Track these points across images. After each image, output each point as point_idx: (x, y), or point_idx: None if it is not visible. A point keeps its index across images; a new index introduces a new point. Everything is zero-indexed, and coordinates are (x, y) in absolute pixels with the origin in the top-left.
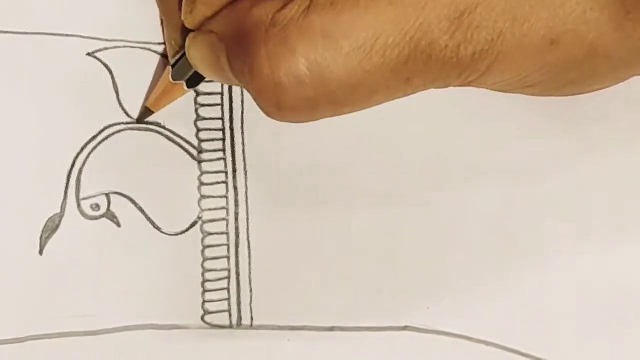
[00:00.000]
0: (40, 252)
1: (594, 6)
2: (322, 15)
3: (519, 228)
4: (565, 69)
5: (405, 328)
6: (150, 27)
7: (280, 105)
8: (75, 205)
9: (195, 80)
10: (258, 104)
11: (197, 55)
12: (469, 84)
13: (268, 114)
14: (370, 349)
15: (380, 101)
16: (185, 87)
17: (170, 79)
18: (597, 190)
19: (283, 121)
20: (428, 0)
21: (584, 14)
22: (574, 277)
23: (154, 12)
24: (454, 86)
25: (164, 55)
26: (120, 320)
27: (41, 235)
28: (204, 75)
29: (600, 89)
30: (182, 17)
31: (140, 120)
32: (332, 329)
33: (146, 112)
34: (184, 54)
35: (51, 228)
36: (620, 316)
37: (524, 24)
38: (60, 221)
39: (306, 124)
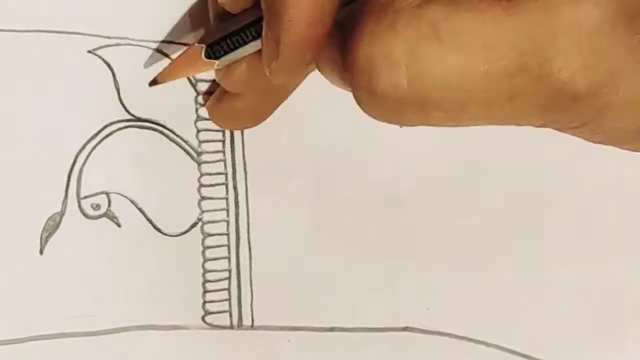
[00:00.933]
0: (41, 252)
1: None
2: (437, 9)
3: (520, 228)
4: None
5: (405, 329)
6: (151, 25)
7: (371, 88)
8: (76, 204)
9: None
10: (353, 91)
11: (327, 71)
12: (581, 127)
13: (358, 101)
14: (370, 349)
15: (473, 116)
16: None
17: (203, 55)
18: (597, 190)
19: (371, 112)
20: (548, 16)
21: None
22: (574, 277)
23: (156, 9)
24: (563, 127)
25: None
26: (120, 320)
27: (41, 235)
28: (326, 77)
29: None
30: (266, 71)
31: (152, 84)
32: (332, 329)
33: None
34: (224, 37)
35: (52, 227)
36: (620, 316)
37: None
38: (60, 220)
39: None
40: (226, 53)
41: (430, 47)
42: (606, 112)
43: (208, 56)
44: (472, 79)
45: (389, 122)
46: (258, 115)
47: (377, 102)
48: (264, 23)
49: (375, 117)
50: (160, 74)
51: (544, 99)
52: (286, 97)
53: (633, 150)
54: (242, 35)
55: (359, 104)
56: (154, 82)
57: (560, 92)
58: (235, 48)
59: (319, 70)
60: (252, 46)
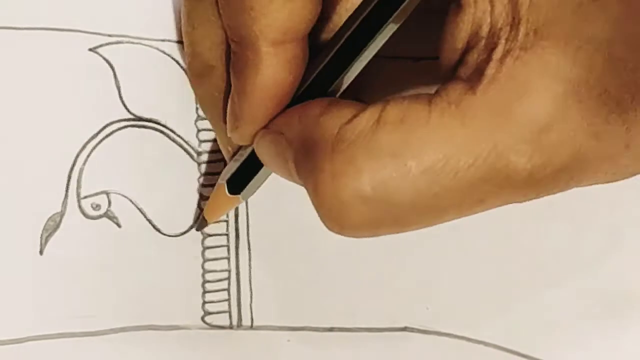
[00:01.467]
0: (41, 252)
1: None
2: (391, 133)
3: (518, 228)
4: (634, 168)
5: (404, 329)
6: (152, 23)
7: (343, 224)
8: (76, 204)
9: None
10: (320, 218)
11: (266, 153)
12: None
13: (329, 229)
14: (369, 349)
15: (450, 219)
16: (241, 199)
17: (227, 192)
18: (597, 190)
19: (345, 236)
20: (502, 121)
21: None
22: (574, 277)
23: (156, 7)
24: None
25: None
26: (120, 320)
27: (42, 234)
28: (274, 172)
29: None
30: (228, 134)
31: (199, 229)
32: (331, 329)
33: (202, 222)
34: (240, 168)
35: (52, 227)
36: (619, 316)
37: (601, 134)
38: (60, 220)
39: None
40: (247, 182)
41: (394, 175)
42: (566, 187)
43: (232, 191)
44: (441, 196)
45: (362, 238)
46: None
47: (350, 232)
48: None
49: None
50: (204, 219)
51: (512, 192)
52: None
53: None
54: (254, 161)
55: (329, 229)
56: (202, 226)
57: (525, 185)
58: (252, 175)
59: (256, 148)
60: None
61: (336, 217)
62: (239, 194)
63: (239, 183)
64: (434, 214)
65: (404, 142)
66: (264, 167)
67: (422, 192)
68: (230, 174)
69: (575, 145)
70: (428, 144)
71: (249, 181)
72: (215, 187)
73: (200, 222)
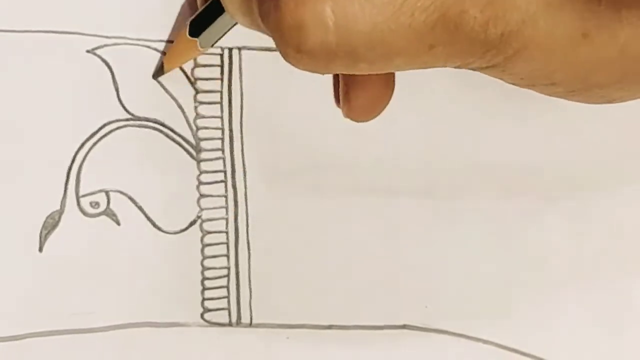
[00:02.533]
0: (40, 249)
1: (630, 4)
2: None
3: (518, 226)
4: (594, 68)
5: (403, 327)
6: (150, 24)
7: (300, 47)
8: (75, 202)
9: (210, 37)
10: (277, 45)
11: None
12: (492, 69)
13: (286, 56)
14: (368, 347)
15: (398, 65)
16: (199, 46)
17: (187, 34)
18: (597, 190)
19: (299, 67)
20: None
21: (618, 11)
22: (573, 276)
23: (154, 8)
24: (476, 68)
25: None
26: (119, 317)
27: (41, 232)
28: (233, 17)
29: (625, 99)
30: None
31: (155, 76)
32: (330, 327)
33: (160, 69)
34: (204, 10)
35: (51, 225)
36: (619, 315)
37: (558, 12)
38: (59, 218)
39: (306, 123)
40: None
41: (356, 3)
42: (517, 57)
43: (192, 34)
44: (396, 33)
45: (313, 72)
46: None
47: (304, 58)
48: None
49: (300, 69)
50: (166, 66)
51: (461, 46)
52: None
53: (551, 95)
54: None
55: (285, 57)
56: (159, 73)
57: (475, 40)
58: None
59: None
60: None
61: (294, 39)
62: (197, 37)
63: (201, 26)
64: (386, 52)
65: None
66: (224, 13)
67: (379, 25)
68: (195, 15)
69: (529, 11)
70: None
71: (210, 25)
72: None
73: (158, 69)
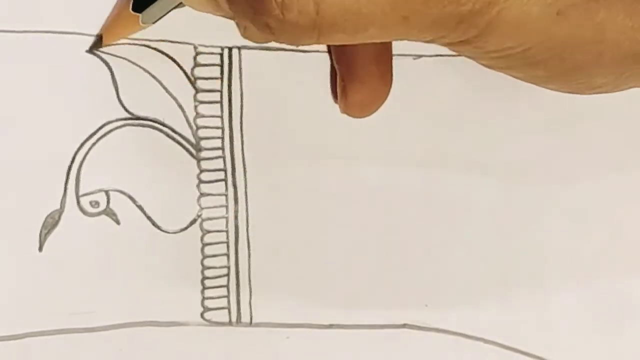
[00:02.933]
0: (40, 249)
1: None
2: None
3: (518, 226)
4: (570, 48)
5: (404, 325)
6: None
7: (281, 16)
8: (75, 201)
9: (153, 14)
10: (254, 20)
11: None
12: (466, 45)
13: (266, 28)
14: (368, 346)
15: (373, 35)
16: (140, 22)
17: (130, 8)
18: (597, 189)
19: (279, 39)
20: None
21: None
22: (573, 275)
23: None
24: (449, 42)
25: None
26: (119, 317)
27: (40, 232)
28: (189, 2)
29: (605, 87)
30: None
31: (91, 49)
32: (330, 326)
33: (97, 41)
34: None
35: (51, 224)
36: (619, 315)
37: None
38: (59, 217)
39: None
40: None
41: None
42: (489, 32)
43: (135, 8)
44: (372, 3)
45: (290, 44)
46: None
47: (285, 28)
48: None
49: (280, 42)
50: (104, 39)
51: (434, 17)
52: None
53: (533, 82)
54: None
55: (265, 30)
56: (97, 45)
57: (447, 12)
58: None
59: None
60: None
61: (277, 11)
62: (140, 12)
63: (145, 2)
64: (362, 23)
65: None
66: None
67: None
68: None
69: None
70: None
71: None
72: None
73: (95, 41)
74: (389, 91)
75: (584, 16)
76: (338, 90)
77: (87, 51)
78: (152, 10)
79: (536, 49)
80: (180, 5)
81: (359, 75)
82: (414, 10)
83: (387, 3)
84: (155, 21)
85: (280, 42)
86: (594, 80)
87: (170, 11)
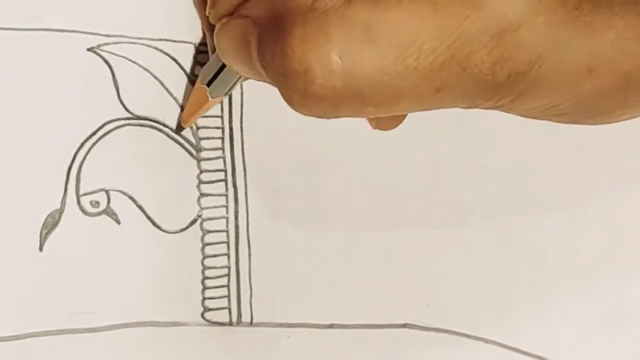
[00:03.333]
0: (40, 248)
1: (632, 36)
2: (364, 9)
3: (518, 226)
4: (598, 99)
5: (404, 325)
6: (150, 23)
7: (307, 92)
8: (75, 201)
9: (219, 88)
10: (282, 91)
11: (226, 40)
12: (500, 107)
13: (290, 102)
14: (369, 346)
15: (405, 108)
16: (210, 97)
17: (210, 97)
18: (597, 189)
19: (304, 112)
20: (472, 11)
21: (621, 42)
22: (573, 275)
23: (155, 7)
24: (484, 107)
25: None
26: (120, 317)
27: (41, 231)
28: (231, 66)
29: (626, 118)
30: (207, 12)
31: (177, 131)
32: (331, 326)
33: (179, 124)
34: (220, 69)
35: (51, 224)
36: (619, 315)
37: (563, 51)
38: (60, 217)
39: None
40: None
41: (362, 48)
42: (522, 98)
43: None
44: (403, 76)
45: (321, 117)
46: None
47: (312, 104)
48: None
49: (307, 115)
50: (183, 120)
51: (468, 88)
52: None
53: (556, 122)
54: None
55: (290, 103)
56: (179, 129)
57: (482, 82)
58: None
59: (215, 39)
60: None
61: (301, 84)
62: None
63: (212, 76)
64: (393, 95)
65: (376, 18)
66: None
67: (386, 68)
68: (210, 78)
69: (535, 52)
70: (399, 22)
71: (218, 75)
72: (195, 89)
73: (177, 124)
74: None
75: (613, 70)
76: None
77: (175, 132)
78: (217, 84)
79: (565, 104)
80: (242, 78)
81: None
82: (448, 82)
83: (418, 75)
84: (226, 93)
85: (311, 116)
86: (617, 118)
87: (236, 84)
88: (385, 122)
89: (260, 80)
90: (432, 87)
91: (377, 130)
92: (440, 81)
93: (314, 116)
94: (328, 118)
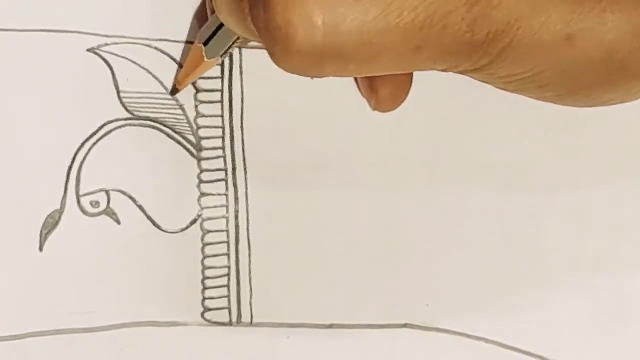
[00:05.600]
0: (40, 249)
1: (614, 8)
2: None
3: (519, 226)
4: (580, 70)
5: (404, 325)
6: (150, 23)
7: (288, 46)
8: (75, 201)
9: (215, 49)
10: (266, 46)
11: (222, 1)
12: (479, 72)
13: (273, 56)
14: (369, 346)
15: (385, 66)
16: (205, 57)
17: (205, 58)
18: (597, 189)
19: (287, 67)
20: None
21: (602, 12)
22: (574, 275)
23: (155, 7)
24: (463, 70)
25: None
26: (119, 317)
27: (41, 231)
28: (226, 23)
29: (614, 101)
30: None
31: (172, 93)
32: (331, 326)
33: (174, 86)
34: (216, 29)
35: (51, 224)
36: (619, 314)
37: (542, 14)
38: (59, 217)
39: (306, 121)
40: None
41: (345, 3)
42: (501, 59)
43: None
44: (385, 33)
45: (302, 75)
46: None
47: (293, 58)
48: None
49: (289, 71)
50: (177, 81)
51: (447, 47)
52: None
53: (542, 100)
54: None
55: (273, 58)
56: (174, 91)
57: (461, 40)
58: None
59: (214, 6)
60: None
61: (283, 39)
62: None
63: (208, 37)
64: (374, 52)
65: None
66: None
67: (367, 24)
68: (207, 36)
69: (514, 13)
70: None
71: (215, 35)
72: (192, 48)
73: (177, 81)
74: (412, 79)
75: (593, 39)
76: (363, 89)
77: (170, 94)
78: (213, 45)
79: (547, 72)
80: (239, 39)
81: None
82: (427, 39)
83: (400, 32)
84: (223, 55)
85: (291, 72)
86: (603, 97)
87: (232, 45)
88: (383, 102)
89: (254, 40)
90: (413, 44)
91: (377, 132)
92: (421, 39)
93: (297, 73)
94: (311, 76)
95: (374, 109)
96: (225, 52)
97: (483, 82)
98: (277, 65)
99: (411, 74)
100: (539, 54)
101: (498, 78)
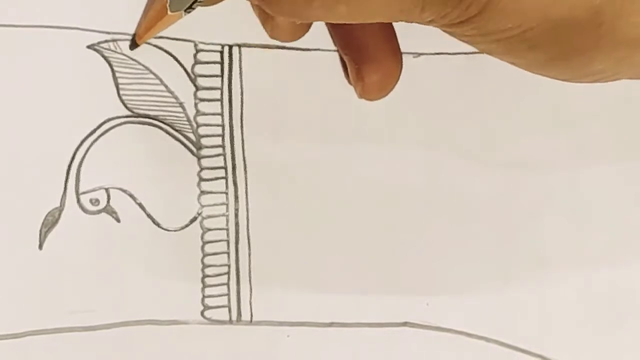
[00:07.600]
0: (40, 247)
1: None
2: None
3: (519, 225)
4: (568, 30)
5: (404, 324)
6: None
7: None
8: (75, 199)
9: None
10: None
11: None
12: (467, 24)
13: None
14: (369, 344)
15: (373, 11)
16: (169, 10)
17: (169, 10)
18: (598, 189)
19: (276, 10)
20: None
21: None
22: (574, 274)
23: None
24: (451, 23)
25: None
26: (119, 315)
27: (40, 230)
28: None
29: (605, 74)
30: None
31: (131, 47)
32: (331, 324)
33: (134, 38)
34: None
35: (51, 222)
36: (619, 313)
37: None
38: (59, 215)
39: (306, 119)
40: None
41: None
42: (490, 9)
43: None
44: None
45: (291, 18)
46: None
47: (284, 5)
48: None
49: (279, 15)
50: (137, 35)
51: None
52: None
53: (533, 68)
54: None
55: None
56: (134, 46)
57: None
58: None
59: None
60: None
61: None
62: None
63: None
64: None
65: None
66: None
67: None
68: None
69: None
70: None
71: None
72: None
73: (137, 35)
74: (401, 68)
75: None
76: (351, 76)
77: (130, 48)
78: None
79: (535, 30)
80: None
81: (373, 55)
82: None
83: None
84: (187, 10)
85: (284, 16)
86: (593, 65)
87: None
88: (370, 90)
89: None
90: None
91: (377, 129)
92: None
93: (286, 16)
94: (301, 20)
95: (360, 96)
96: (190, 6)
97: (470, 42)
98: (266, 8)
99: (400, 63)
100: (527, 7)
101: (485, 34)
